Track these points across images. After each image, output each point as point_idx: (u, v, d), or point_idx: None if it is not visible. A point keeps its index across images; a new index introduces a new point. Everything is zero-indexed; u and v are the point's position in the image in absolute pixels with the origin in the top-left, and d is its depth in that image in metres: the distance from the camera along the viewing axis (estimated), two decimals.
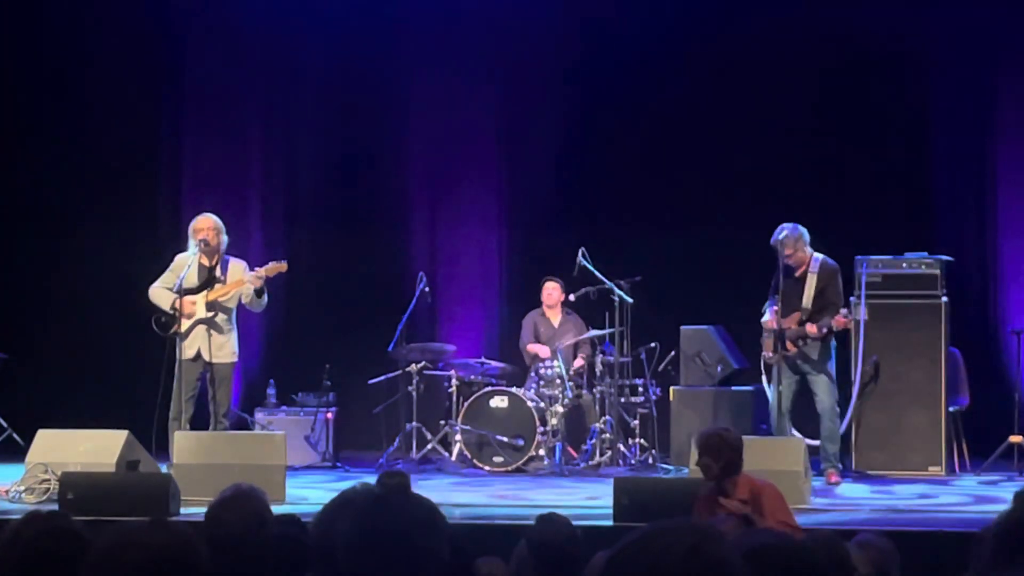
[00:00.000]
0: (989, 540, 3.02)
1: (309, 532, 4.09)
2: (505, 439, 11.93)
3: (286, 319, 13.81)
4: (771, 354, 11.12)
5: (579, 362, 12.52)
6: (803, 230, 11.08)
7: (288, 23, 14.12)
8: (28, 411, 12.27)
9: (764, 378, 11.37)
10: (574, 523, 5.66)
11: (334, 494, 3.18)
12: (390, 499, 2.90)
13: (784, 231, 11.03)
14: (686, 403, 12.17)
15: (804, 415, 11.27)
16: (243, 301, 10.99)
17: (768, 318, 11.14)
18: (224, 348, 10.91)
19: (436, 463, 12.28)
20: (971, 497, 10.42)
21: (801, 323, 11.04)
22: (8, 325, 13.65)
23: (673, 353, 12.32)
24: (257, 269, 10.90)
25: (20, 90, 14.04)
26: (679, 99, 13.52)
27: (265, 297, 10.98)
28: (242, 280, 10.91)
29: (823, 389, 11.08)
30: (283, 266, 11.02)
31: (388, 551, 2.86)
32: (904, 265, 11.75)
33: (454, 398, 12.40)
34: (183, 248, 11.12)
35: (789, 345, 11.06)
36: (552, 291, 12.70)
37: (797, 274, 11.15)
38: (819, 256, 11.19)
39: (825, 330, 10.98)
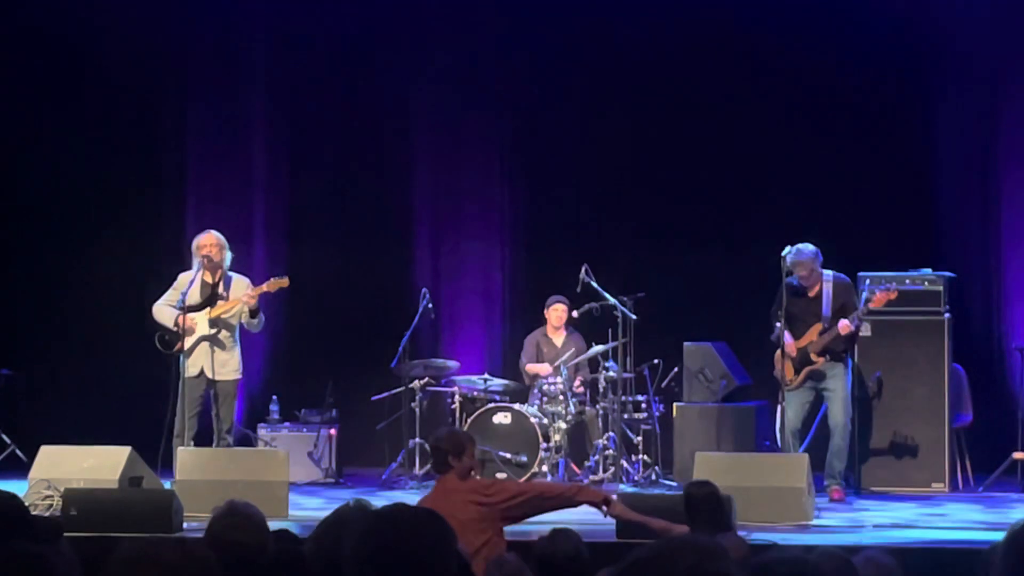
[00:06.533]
0: (999, 553, 3.02)
1: (306, 548, 4.10)
2: (508, 455, 11.91)
3: (289, 335, 13.81)
4: (791, 377, 11.04)
5: (577, 383, 12.45)
6: (818, 250, 11.05)
7: (291, 38, 14.13)
8: (31, 427, 12.27)
9: (781, 398, 11.24)
10: None
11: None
12: (396, 517, 2.90)
13: (803, 252, 10.93)
14: (689, 419, 12.15)
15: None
16: (241, 320, 10.98)
17: (789, 341, 11.06)
18: (227, 365, 10.90)
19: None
20: (974, 514, 10.40)
21: (824, 332, 10.98)
22: (11, 341, 13.66)
23: (676, 369, 12.31)
24: (257, 286, 10.89)
25: (22, 109, 14.03)
26: (683, 116, 13.51)
27: (261, 318, 10.96)
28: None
29: (838, 406, 11.02)
30: (284, 281, 11.02)
31: (396, 568, 2.86)
32: (907, 282, 11.74)
33: (457, 414, 12.38)
34: (187, 265, 11.12)
35: (815, 357, 11.00)
36: (563, 313, 12.62)
37: (811, 294, 11.12)
38: (829, 272, 11.16)
39: (854, 327, 10.95)
